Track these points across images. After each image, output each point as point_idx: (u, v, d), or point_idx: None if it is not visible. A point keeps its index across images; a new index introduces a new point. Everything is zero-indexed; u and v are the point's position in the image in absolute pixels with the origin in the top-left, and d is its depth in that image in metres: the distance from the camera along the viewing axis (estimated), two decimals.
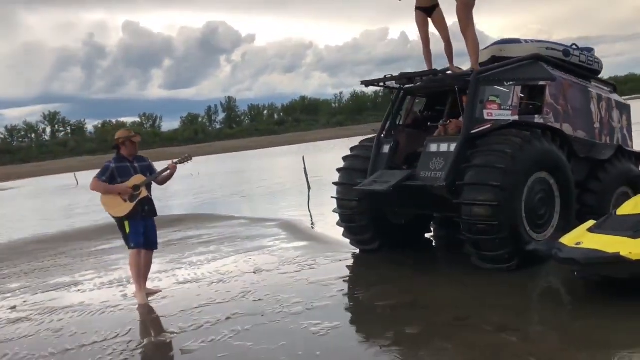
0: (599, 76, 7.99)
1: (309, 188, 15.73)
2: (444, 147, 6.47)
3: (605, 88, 7.90)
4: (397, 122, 7.50)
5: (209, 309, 5.84)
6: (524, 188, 5.97)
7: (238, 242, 9.38)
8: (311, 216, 11.78)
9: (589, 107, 7.23)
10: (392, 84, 7.35)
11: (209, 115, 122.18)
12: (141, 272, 6.45)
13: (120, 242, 10.18)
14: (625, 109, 7.81)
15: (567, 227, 6.33)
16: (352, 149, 7.72)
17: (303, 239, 9.07)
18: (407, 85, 7.43)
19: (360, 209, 7.22)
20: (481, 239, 5.91)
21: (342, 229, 7.67)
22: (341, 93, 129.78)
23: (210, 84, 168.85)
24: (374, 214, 7.23)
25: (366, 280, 6.49)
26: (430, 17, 7.13)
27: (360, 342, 4.70)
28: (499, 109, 6.53)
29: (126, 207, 6.25)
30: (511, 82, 6.63)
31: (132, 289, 6.91)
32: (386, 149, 7.13)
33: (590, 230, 5.12)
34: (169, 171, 6.46)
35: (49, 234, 13.18)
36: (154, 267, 6.96)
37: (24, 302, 7.01)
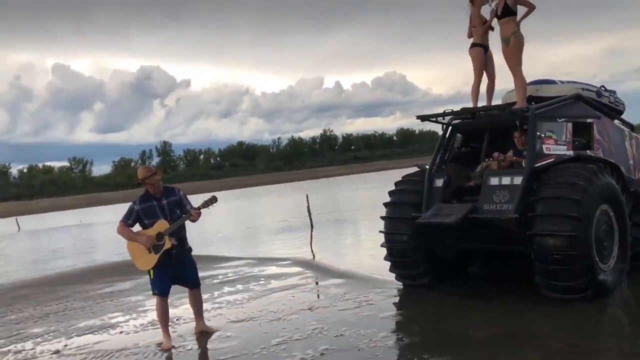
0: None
1: (312, 227, 15.68)
2: (506, 180, 6.62)
3: (626, 128, 8.39)
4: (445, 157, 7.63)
5: (293, 345, 5.62)
6: (593, 219, 6.18)
7: (262, 280, 9.11)
8: (313, 253, 11.74)
9: (624, 144, 7.65)
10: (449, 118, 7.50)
11: (143, 159, 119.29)
12: (166, 318, 6.08)
13: (128, 284, 9.85)
14: None
15: (624, 258, 6.61)
16: (397, 184, 7.76)
17: (333, 276, 8.92)
18: (455, 122, 7.60)
19: (413, 243, 7.23)
20: (557, 269, 6.02)
21: (378, 263, 7.63)
22: (279, 138, 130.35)
23: (143, 128, 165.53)
24: (426, 248, 7.25)
25: (439, 313, 6.43)
26: (485, 54, 7.41)
27: None
28: (556, 144, 6.80)
29: (150, 260, 5.78)
30: (563, 119, 6.94)
31: (182, 328, 6.61)
32: (439, 182, 7.22)
33: None
34: (192, 218, 5.79)
35: (30, 278, 12.33)
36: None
37: (65, 346, 6.49)
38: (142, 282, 10.11)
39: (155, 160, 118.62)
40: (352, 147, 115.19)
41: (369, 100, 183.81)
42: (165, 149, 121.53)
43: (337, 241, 13.54)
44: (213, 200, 5.95)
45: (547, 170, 6.47)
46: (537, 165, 6.51)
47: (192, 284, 6.14)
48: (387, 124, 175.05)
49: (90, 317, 7.77)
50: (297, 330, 6.13)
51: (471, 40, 7.58)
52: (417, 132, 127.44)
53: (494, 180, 6.71)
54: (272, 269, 10.10)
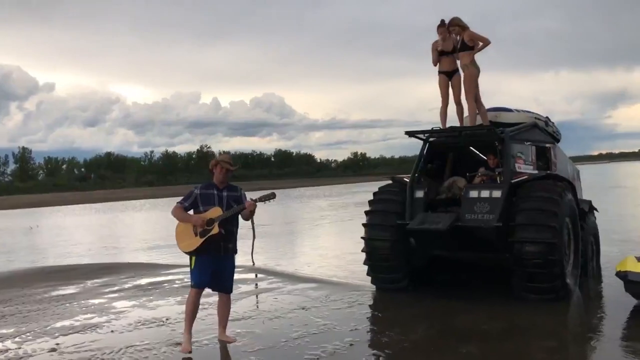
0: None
1: (254, 236, 15.61)
2: (485, 194, 7.40)
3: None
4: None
5: (315, 338, 5.87)
6: (564, 229, 7.12)
7: None
8: (253, 260, 11.85)
9: (567, 167, 8.83)
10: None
11: None
12: (194, 314, 5.85)
13: (73, 288, 9.36)
14: (577, 173, 9.59)
15: (577, 264, 7.64)
16: (377, 194, 8.29)
17: (301, 281, 9.20)
18: (431, 139, 8.30)
19: (394, 249, 7.77)
20: (537, 272, 6.85)
21: (334, 270, 8.02)
22: (152, 152, 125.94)
23: None
24: (405, 254, 7.83)
25: (440, 311, 6.91)
26: (450, 80, 8.20)
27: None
28: (524, 164, 7.76)
29: (193, 243, 5.65)
30: (529, 143, 7.94)
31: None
32: (419, 194, 7.85)
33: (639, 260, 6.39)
34: (246, 209, 5.72)
35: None
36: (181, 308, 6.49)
37: (57, 344, 6.16)
38: (89, 286, 9.72)
39: (12, 167, 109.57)
40: None
41: (247, 120, 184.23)
42: (24, 156, 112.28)
43: (277, 250, 13.67)
44: (271, 196, 5.87)
45: (523, 185, 7.33)
46: (514, 180, 7.37)
47: (228, 287, 5.93)
48: (263, 145, 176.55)
49: (61, 319, 7.35)
50: (307, 326, 6.38)
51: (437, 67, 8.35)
52: (294, 154, 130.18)
53: (473, 194, 7.46)
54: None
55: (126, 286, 9.55)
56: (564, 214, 7.15)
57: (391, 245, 7.79)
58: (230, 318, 6.86)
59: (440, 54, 8.14)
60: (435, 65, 8.24)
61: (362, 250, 8.11)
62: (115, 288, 9.40)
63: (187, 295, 8.25)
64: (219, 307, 6.09)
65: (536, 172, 7.77)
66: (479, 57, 7.98)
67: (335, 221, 20.92)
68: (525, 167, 7.74)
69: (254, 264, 11.14)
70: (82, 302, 8.39)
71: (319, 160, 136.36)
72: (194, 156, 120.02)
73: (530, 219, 6.95)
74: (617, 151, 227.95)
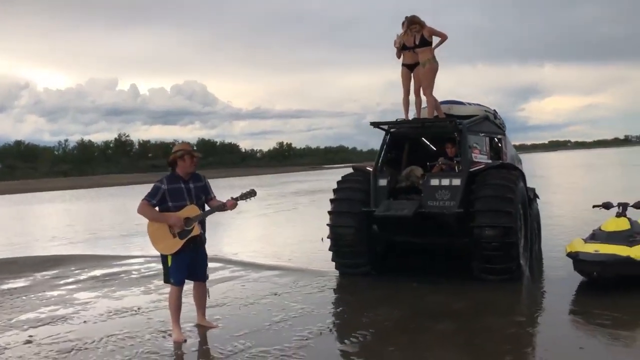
0: None
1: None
2: (445, 182, 7.83)
3: None
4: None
5: (298, 321, 6.06)
6: (519, 215, 7.67)
7: None
8: None
9: (514, 157, 9.45)
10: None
11: None
12: (179, 309, 5.77)
13: (23, 281, 9.04)
14: (520, 161, 10.26)
15: (527, 248, 8.23)
16: (340, 182, 8.55)
17: (264, 268, 9.32)
18: (392, 130, 8.66)
19: (359, 235, 8.08)
20: (495, 255, 7.35)
21: (290, 257, 8.23)
22: (66, 141, 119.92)
23: None
24: (368, 240, 8.16)
25: (411, 293, 7.25)
26: (412, 73, 8.58)
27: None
28: (480, 154, 8.26)
29: (173, 245, 5.50)
30: (483, 134, 8.46)
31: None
32: (383, 182, 8.19)
33: (587, 241, 7.01)
34: (228, 208, 5.67)
35: None
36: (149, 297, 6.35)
37: (31, 336, 6.01)
38: (40, 279, 9.44)
39: None
40: (150, 155, 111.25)
41: (167, 108, 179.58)
42: None
43: (230, 239, 13.61)
44: (252, 193, 5.75)
45: (480, 174, 7.81)
46: (472, 169, 7.84)
47: (203, 276, 5.90)
48: (185, 133, 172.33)
49: (24, 312, 7.16)
50: (285, 310, 6.55)
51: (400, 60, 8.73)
52: (218, 143, 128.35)
53: (434, 182, 7.88)
54: None
55: (81, 278, 9.32)
56: (518, 201, 7.70)
57: (356, 232, 8.08)
58: (211, 304, 6.97)
59: (402, 49, 8.49)
60: (399, 58, 8.59)
61: (328, 237, 8.35)
62: (71, 280, 9.16)
63: (150, 286, 8.35)
64: (195, 296, 6.04)
65: (490, 161, 8.29)
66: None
67: (280, 210, 21.02)
68: (481, 157, 8.24)
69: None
70: (40, 294, 8.15)
71: (243, 150, 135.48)
72: (111, 145, 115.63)
73: (488, 205, 7.43)
74: (529, 143, 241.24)
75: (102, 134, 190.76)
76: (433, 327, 5.84)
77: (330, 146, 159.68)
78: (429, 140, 9.45)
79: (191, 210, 5.55)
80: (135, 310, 6.94)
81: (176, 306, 5.76)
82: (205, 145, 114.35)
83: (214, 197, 5.84)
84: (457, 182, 7.75)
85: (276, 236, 14.56)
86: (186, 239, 5.50)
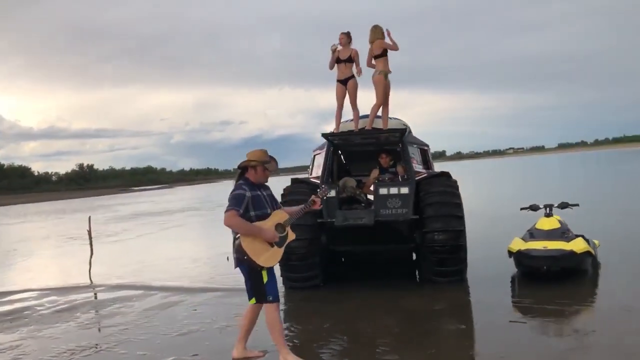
0: None
1: (92, 252, 13.74)
2: (394, 190, 8.03)
3: None
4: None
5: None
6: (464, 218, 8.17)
7: (115, 305, 8.09)
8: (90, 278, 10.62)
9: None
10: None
11: None
12: (283, 330, 5.27)
13: None
14: None
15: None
16: (286, 195, 8.30)
17: (198, 291, 8.65)
18: (335, 142, 8.71)
19: (312, 247, 7.95)
20: (447, 258, 7.72)
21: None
22: None
23: None
24: (319, 252, 8.08)
25: (370, 303, 7.27)
26: (345, 87, 8.74)
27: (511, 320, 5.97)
28: (417, 164, 8.68)
29: (275, 255, 5.06)
30: (415, 145, 8.91)
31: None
32: (332, 193, 8.13)
33: (527, 240, 7.76)
34: (314, 206, 5.51)
35: None
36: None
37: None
38: None
39: None
40: None
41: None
42: None
43: (120, 266, 12.23)
44: (327, 189, 6.05)
45: (423, 182, 8.18)
46: (417, 178, 8.19)
47: None
48: None
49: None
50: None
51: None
52: (5, 166, 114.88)
53: (383, 191, 8.05)
54: (104, 295, 8.93)
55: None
56: (463, 206, 8.24)
57: (309, 244, 7.93)
58: (177, 333, 6.38)
59: (337, 62, 8.60)
60: (331, 69, 8.66)
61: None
62: None
63: (80, 320, 7.27)
64: (252, 319, 5.35)
65: (430, 170, 8.77)
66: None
67: (141, 235, 19.34)
68: (418, 167, 8.66)
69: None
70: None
71: (36, 173, 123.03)
72: None
73: (440, 211, 7.79)
74: None
75: None
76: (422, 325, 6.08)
77: (136, 167, 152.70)
78: (363, 151, 9.64)
79: (279, 216, 5.15)
80: (96, 347, 5.98)
81: (281, 326, 5.15)
82: None
83: (281, 206, 5.42)
84: (405, 190, 7.98)
85: (162, 257, 13.37)
86: (285, 244, 5.16)
